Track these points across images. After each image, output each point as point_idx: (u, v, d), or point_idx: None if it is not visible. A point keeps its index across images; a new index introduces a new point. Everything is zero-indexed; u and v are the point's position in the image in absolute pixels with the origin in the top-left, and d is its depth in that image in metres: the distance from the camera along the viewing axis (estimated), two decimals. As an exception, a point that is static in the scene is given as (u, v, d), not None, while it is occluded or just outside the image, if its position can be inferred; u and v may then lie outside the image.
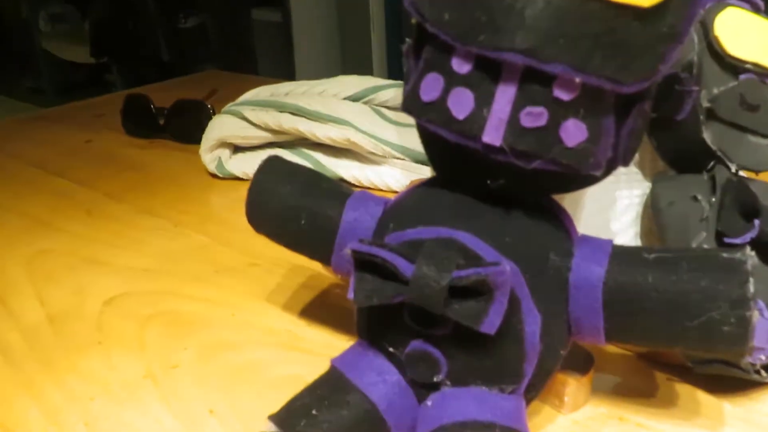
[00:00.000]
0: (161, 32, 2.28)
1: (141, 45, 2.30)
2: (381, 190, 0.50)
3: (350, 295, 0.22)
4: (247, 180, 0.52)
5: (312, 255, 0.28)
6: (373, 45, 1.49)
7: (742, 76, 0.29)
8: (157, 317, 0.36)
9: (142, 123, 0.65)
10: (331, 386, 0.24)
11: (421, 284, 0.20)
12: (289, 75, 1.50)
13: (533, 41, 0.19)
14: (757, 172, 0.30)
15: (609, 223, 0.33)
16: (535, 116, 0.20)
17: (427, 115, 0.21)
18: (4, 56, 2.59)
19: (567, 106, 0.20)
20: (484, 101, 0.20)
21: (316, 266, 0.39)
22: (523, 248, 0.22)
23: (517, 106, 0.20)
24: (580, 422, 0.27)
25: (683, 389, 0.28)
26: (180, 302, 0.38)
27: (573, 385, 0.26)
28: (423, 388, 0.23)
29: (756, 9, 0.30)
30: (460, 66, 0.20)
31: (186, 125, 0.62)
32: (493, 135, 0.20)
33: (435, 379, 0.23)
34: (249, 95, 0.54)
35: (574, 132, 0.20)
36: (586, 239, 0.24)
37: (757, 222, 0.26)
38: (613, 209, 0.33)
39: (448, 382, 0.23)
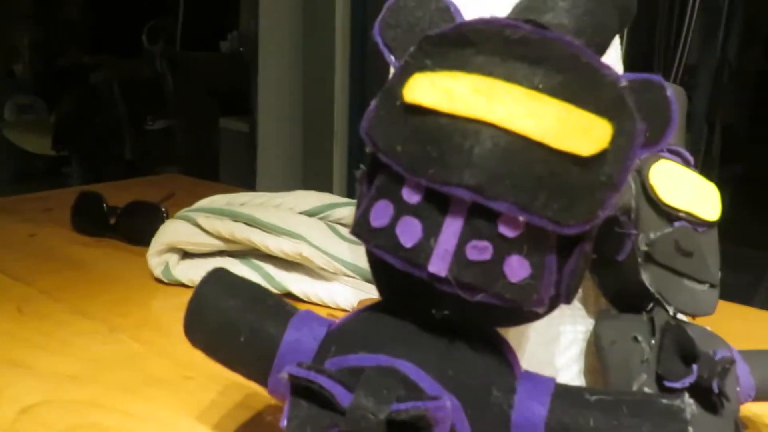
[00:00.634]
0: (127, 131, 2.31)
1: (105, 142, 2.31)
2: (329, 307, 0.49)
3: (282, 423, 0.21)
4: (192, 287, 0.51)
5: (249, 374, 0.27)
6: (334, 163, 1.53)
7: (677, 224, 0.31)
8: (77, 430, 0.34)
9: (92, 221, 0.64)
10: None
11: (358, 416, 0.20)
12: (250, 184, 1.52)
13: (480, 179, 0.20)
14: (693, 316, 0.31)
15: (553, 358, 0.33)
16: (480, 250, 0.20)
17: (375, 241, 0.22)
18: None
19: (511, 243, 0.20)
20: (431, 231, 0.21)
21: (253, 384, 0.38)
22: (466, 382, 0.22)
23: (463, 239, 0.20)
24: None
25: None
26: (103, 415, 0.35)
27: None
28: None
29: (686, 162, 0.32)
30: (410, 196, 0.21)
31: (137, 227, 0.61)
32: (439, 265, 0.21)
33: None
34: (204, 202, 0.54)
35: (517, 268, 0.20)
36: (529, 375, 0.24)
37: (695, 367, 0.27)
38: (557, 344, 0.33)
39: None
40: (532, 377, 0.23)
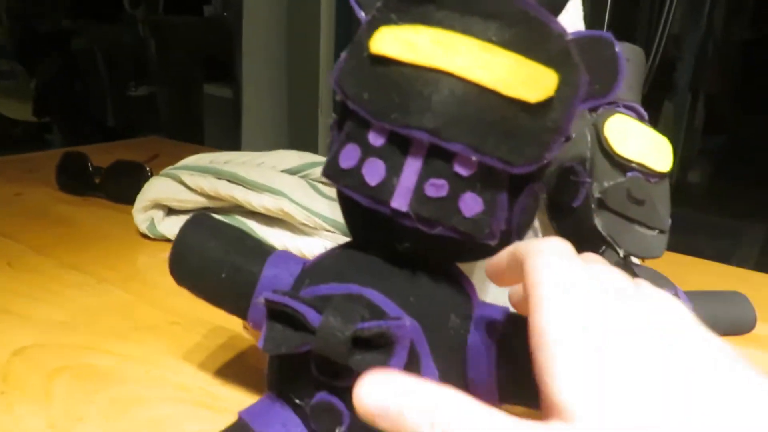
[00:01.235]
0: (110, 97, 2.29)
1: (87, 108, 2.29)
2: (310, 260, 0.52)
3: (260, 344, 0.23)
4: (178, 242, 0.53)
5: (230, 308, 0.29)
6: (319, 128, 1.54)
7: (629, 174, 0.33)
8: (68, 370, 0.36)
9: (78, 180, 0.65)
10: None
11: (326, 334, 0.22)
12: (235, 150, 1.53)
13: (438, 123, 0.22)
14: (642, 258, 0.33)
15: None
16: (437, 187, 0.22)
17: (344, 181, 0.24)
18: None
19: (466, 181, 0.22)
20: (394, 171, 0.23)
21: (236, 328, 0.40)
22: (426, 307, 0.24)
23: (422, 178, 0.22)
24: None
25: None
26: (94, 356, 0.37)
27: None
28: None
29: (640, 117, 0.35)
30: (375, 139, 0.23)
31: (122, 186, 0.62)
32: (400, 201, 0.23)
33: (337, 431, 0.24)
34: (189, 160, 0.55)
35: (471, 204, 0.23)
36: (485, 305, 0.26)
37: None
38: (519, 286, 0.36)
39: None
40: (488, 306, 0.26)
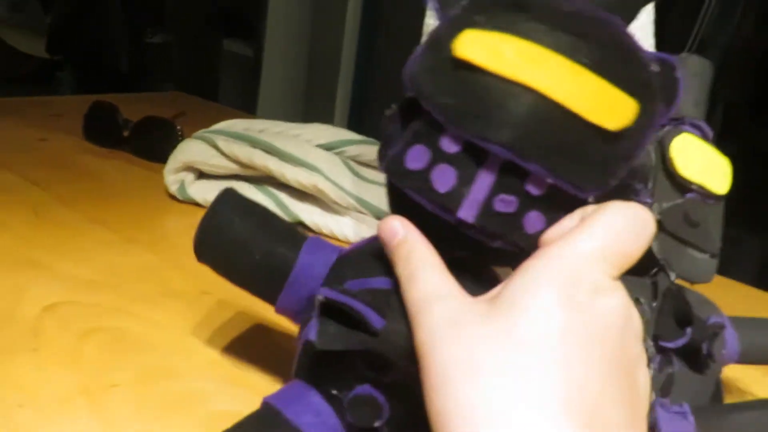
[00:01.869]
0: (124, 42, 2.25)
1: (100, 50, 2.25)
2: (338, 239, 0.51)
3: (312, 337, 0.23)
4: (205, 206, 0.52)
5: (258, 291, 0.29)
6: (338, 95, 1.52)
7: (688, 195, 0.33)
8: (99, 332, 0.35)
9: (106, 131, 0.64)
10: (267, 424, 0.24)
11: (391, 338, 0.22)
12: (250, 110, 1.51)
13: (516, 138, 0.21)
14: (692, 283, 0.33)
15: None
16: (506, 203, 0.22)
17: (409, 182, 0.23)
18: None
19: (534, 200, 0.22)
20: (464, 181, 0.22)
21: (267, 305, 0.39)
22: None
23: (493, 192, 0.22)
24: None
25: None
26: (124, 319, 0.37)
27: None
28: None
29: (704, 136, 0.34)
30: (449, 146, 0.22)
31: (151, 142, 0.61)
32: (468, 213, 0.22)
33: (375, 425, 0.24)
34: (223, 125, 0.54)
35: (535, 222, 0.22)
36: None
37: (688, 330, 0.29)
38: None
39: (386, 429, 0.24)
40: None
